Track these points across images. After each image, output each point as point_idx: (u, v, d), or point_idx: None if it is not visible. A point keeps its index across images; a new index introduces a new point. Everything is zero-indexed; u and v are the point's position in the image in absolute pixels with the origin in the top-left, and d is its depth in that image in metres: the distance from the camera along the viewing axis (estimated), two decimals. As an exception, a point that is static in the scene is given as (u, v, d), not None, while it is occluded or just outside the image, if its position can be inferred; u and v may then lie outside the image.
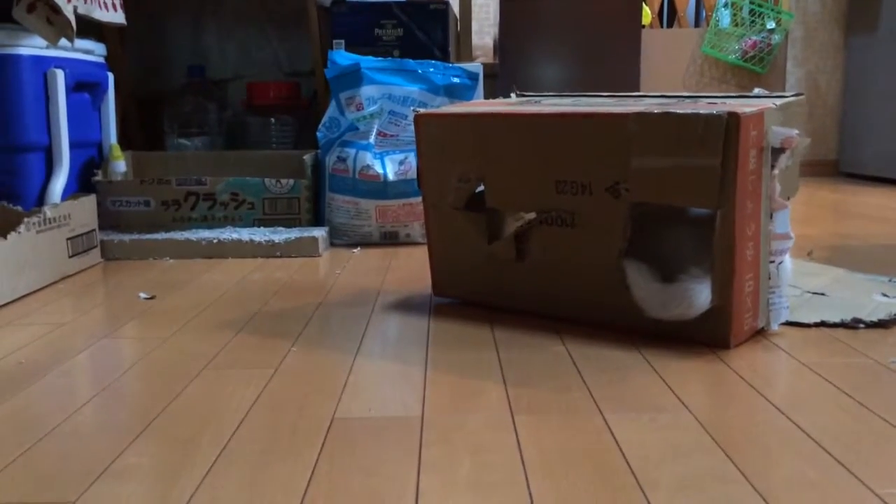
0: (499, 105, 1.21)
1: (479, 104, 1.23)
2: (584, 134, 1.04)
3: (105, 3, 1.76)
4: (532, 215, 1.12)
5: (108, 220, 1.75)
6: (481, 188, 1.16)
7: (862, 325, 1.07)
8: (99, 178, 1.78)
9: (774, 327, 1.05)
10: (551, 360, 0.95)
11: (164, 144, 2.15)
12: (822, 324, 1.08)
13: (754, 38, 3.56)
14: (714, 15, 3.63)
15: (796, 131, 0.99)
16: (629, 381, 0.87)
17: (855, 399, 0.81)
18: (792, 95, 1.11)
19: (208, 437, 0.74)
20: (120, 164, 1.84)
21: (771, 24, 3.58)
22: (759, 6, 3.56)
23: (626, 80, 1.94)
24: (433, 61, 1.78)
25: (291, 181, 1.79)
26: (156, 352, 1.01)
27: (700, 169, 0.95)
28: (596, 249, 1.06)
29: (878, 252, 1.63)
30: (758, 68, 3.58)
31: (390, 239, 1.80)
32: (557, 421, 0.76)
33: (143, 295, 1.33)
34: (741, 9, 3.56)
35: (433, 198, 1.22)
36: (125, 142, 2.03)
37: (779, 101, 1.04)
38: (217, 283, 1.43)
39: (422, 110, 1.21)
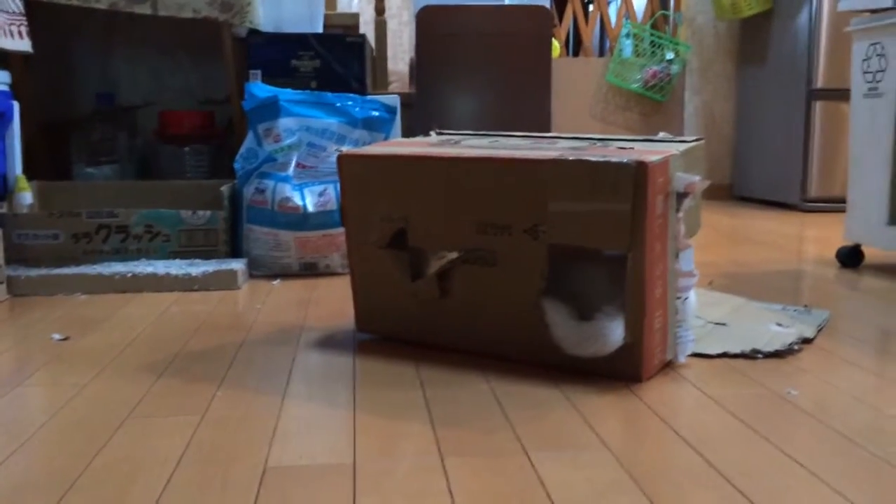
0: (420, 146, 1.24)
1: (402, 143, 1.27)
2: (504, 178, 1.09)
3: (10, 32, 1.71)
4: (454, 254, 1.16)
5: (14, 254, 1.70)
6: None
7: (760, 356, 1.15)
8: (4, 210, 1.72)
9: (682, 359, 1.11)
10: (476, 398, 0.99)
11: (71, 174, 2.09)
12: (725, 354, 1.15)
13: (654, 67, 3.73)
14: (617, 45, 3.78)
15: (698, 177, 1.06)
16: (550, 419, 0.91)
17: (757, 431, 0.88)
18: (693, 140, 1.19)
19: (136, 495, 0.73)
20: (26, 196, 1.79)
21: (670, 55, 3.76)
22: (659, 38, 3.73)
23: (538, 113, 2.02)
24: (351, 94, 1.80)
25: (208, 212, 1.77)
26: (74, 401, 0.99)
27: (612, 213, 1.01)
28: (516, 288, 1.11)
29: (772, 278, 1.74)
30: (658, 97, 3.75)
31: (310, 270, 1.81)
32: (485, 463, 0.79)
33: (56, 336, 1.29)
34: (643, 40, 3.73)
35: (356, 236, 1.24)
36: (31, 171, 1.97)
37: (682, 147, 1.12)
38: (134, 320, 1.40)
39: (345, 150, 1.23)
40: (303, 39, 1.94)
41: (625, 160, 1.00)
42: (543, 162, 1.05)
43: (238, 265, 1.70)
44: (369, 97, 1.83)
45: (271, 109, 1.77)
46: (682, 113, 3.85)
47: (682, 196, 1.07)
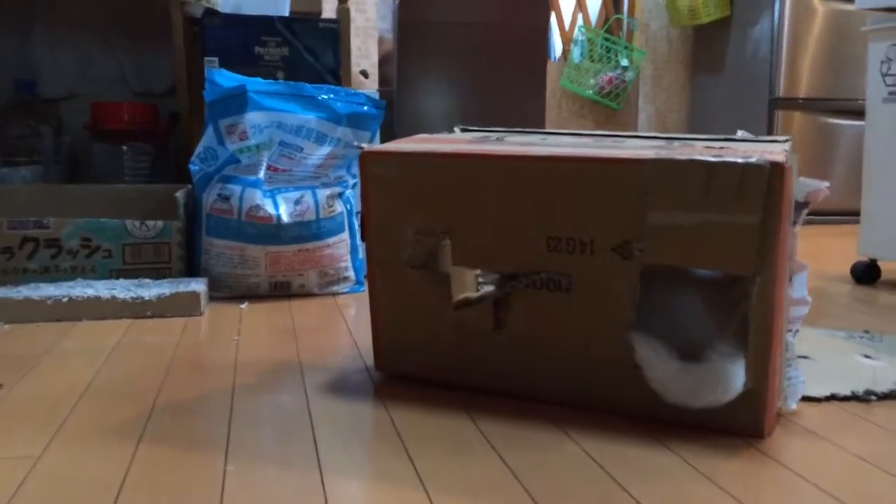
0: (457, 142, 1.01)
1: (432, 140, 1.03)
2: (587, 182, 0.87)
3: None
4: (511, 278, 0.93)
5: (-87, 273, 1.36)
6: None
7: (874, 398, 0.97)
8: None
9: (792, 405, 0.92)
10: (572, 465, 0.76)
11: (-18, 174, 1.75)
12: (833, 397, 0.97)
13: (610, 74, 3.60)
14: (572, 49, 3.64)
15: (826, 183, 0.87)
16: (687, 495, 0.70)
17: (956, 507, 0.69)
18: (783, 140, 1.00)
19: None
20: (-71, 201, 1.45)
21: (624, 62, 3.64)
22: (613, 43, 3.61)
23: (532, 113, 1.81)
24: (333, 87, 1.55)
25: (160, 223, 1.48)
26: (28, 484, 0.71)
27: (734, 227, 0.80)
28: (597, 319, 0.89)
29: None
30: (613, 104, 3.62)
31: (281, 290, 1.54)
32: (655, 577, 0.57)
33: (-18, 383, 1.00)
34: (596, 45, 3.59)
35: (382, 253, 0.99)
36: (-69, 171, 1.63)
37: (787, 147, 0.93)
38: (79, 357, 1.11)
39: (368, 147, 0.98)
40: (268, 23, 1.68)
41: (754, 160, 0.80)
42: (642, 162, 0.84)
43: (199, 286, 1.42)
44: (353, 90, 1.59)
45: (238, 102, 1.50)
46: (636, 121, 3.74)
47: (801, 206, 0.88)
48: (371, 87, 3.09)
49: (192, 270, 1.55)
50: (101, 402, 0.93)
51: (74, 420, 0.87)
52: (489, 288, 0.98)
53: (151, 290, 1.39)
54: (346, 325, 1.33)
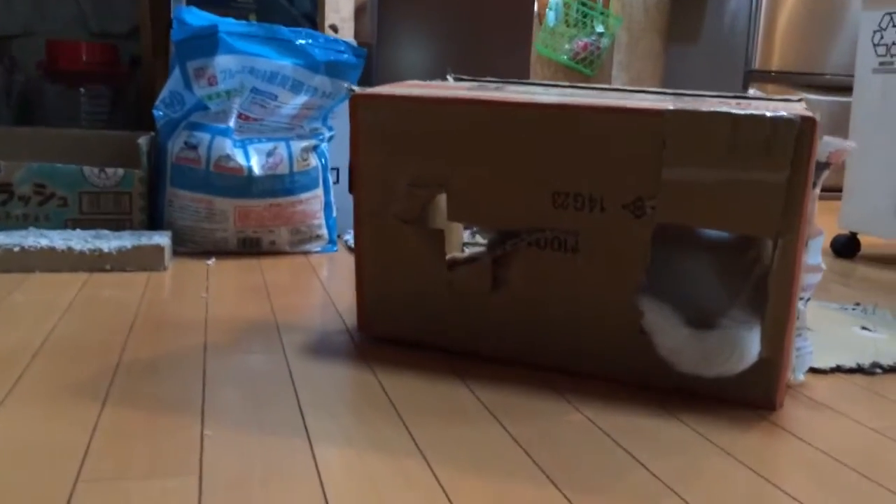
0: (454, 89, 0.93)
1: (426, 86, 0.95)
2: (598, 133, 0.80)
3: None
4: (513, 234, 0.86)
5: None
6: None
7: (879, 371, 0.93)
8: None
9: (800, 377, 0.87)
10: (580, 436, 0.71)
11: (-76, 114, 1.63)
12: (839, 369, 0.93)
13: (585, 39, 3.53)
14: (547, 14, 3.56)
15: (850, 142, 0.82)
16: (702, 469, 0.65)
17: None
18: (796, 100, 0.95)
19: None
20: None
21: (600, 28, 3.58)
22: (590, 8, 3.54)
23: (516, 69, 1.74)
24: (311, 31, 1.45)
25: (121, 171, 1.38)
26: (-22, 447, 0.63)
27: (759, 185, 0.75)
28: (604, 282, 0.83)
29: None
30: (587, 70, 3.56)
31: (251, 247, 1.45)
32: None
33: (-76, 336, 0.90)
34: (572, 9, 3.52)
35: (371, 205, 0.92)
36: None
37: (798, 108, 0.87)
38: (32, 312, 1.02)
39: (359, 89, 0.91)
40: (240, -38, 1.57)
41: (783, 114, 0.74)
42: (661, 113, 0.78)
43: (163, 239, 1.32)
44: (332, 37, 1.49)
45: (208, 43, 1.40)
46: (609, 89, 3.69)
47: (823, 167, 0.82)
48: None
49: (154, 223, 1.46)
50: (58, 361, 0.84)
51: (29, 379, 0.79)
52: (477, 249, 0.92)
53: (111, 241, 1.29)
54: (321, 284, 1.26)
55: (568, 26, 3.53)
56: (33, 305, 1.05)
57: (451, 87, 0.95)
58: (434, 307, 0.92)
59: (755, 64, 3.10)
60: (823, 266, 0.87)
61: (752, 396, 0.79)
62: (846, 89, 3.02)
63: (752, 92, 1.02)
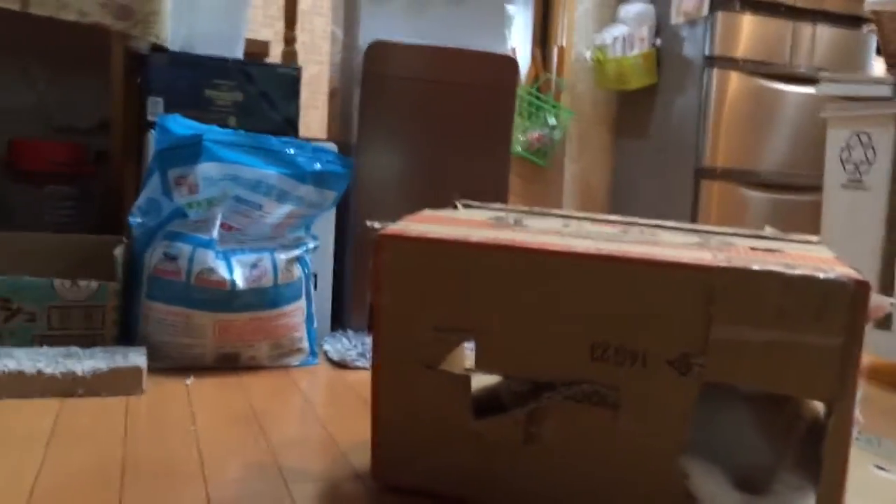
0: (480, 227, 0.90)
1: (452, 221, 0.92)
2: (641, 285, 0.78)
3: None
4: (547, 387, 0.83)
5: None
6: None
7: (909, 520, 0.92)
8: None
9: (838, 532, 0.85)
10: None
11: None
12: (870, 519, 0.91)
13: (538, 131, 3.60)
14: (501, 104, 3.61)
15: (891, 300, 0.81)
16: None
17: None
18: (816, 241, 0.96)
19: None
20: None
21: (552, 121, 3.65)
22: (542, 102, 3.62)
23: (495, 175, 1.74)
24: (297, 140, 1.42)
25: (94, 283, 1.30)
26: None
27: (811, 349, 0.74)
28: (645, 441, 0.80)
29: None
30: (541, 161, 3.62)
31: (229, 362, 1.37)
32: None
33: None
34: (525, 102, 3.59)
35: (393, 349, 0.87)
36: None
37: (825, 252, 0.88)
38: (7, 454, 0.92)
39: (382, 227, 0.87)
40: (222, 65, 1.53)
41: (834, 276, 0.73)
42: (710, 270, 0.76)
43: (139, 359, 1.24)
44: (320, 145, 1.46)
45: (191, 151, 1.35)
46: (562, 179, 3.75)
47: (861, 321, 0.82)
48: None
49: (126, 337, 1.37)
50: (50, 528, 0.76)
51: (22, 557, 0.70)
52: (491, 380, 0.88)
53: (84, 363, 1.20)
54: (312, 410, 1.19)
55: (521, 118, 3.59)
56: (4, 445, 0.96)
57: (473, 223, 0.92)
58: (456, 457, 0.86)
59: (705, 162, 3.20)
60: (861, 419, 0.85)
61: (804, 564, 0.76)
62: (783, 187, 3.16)
63: (768, 231, 1.02)
